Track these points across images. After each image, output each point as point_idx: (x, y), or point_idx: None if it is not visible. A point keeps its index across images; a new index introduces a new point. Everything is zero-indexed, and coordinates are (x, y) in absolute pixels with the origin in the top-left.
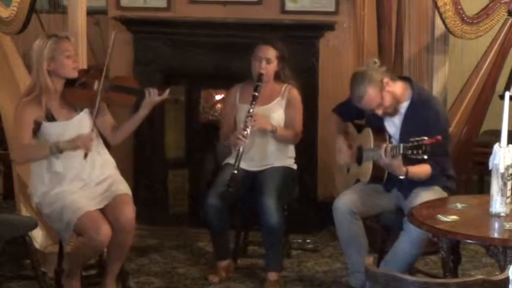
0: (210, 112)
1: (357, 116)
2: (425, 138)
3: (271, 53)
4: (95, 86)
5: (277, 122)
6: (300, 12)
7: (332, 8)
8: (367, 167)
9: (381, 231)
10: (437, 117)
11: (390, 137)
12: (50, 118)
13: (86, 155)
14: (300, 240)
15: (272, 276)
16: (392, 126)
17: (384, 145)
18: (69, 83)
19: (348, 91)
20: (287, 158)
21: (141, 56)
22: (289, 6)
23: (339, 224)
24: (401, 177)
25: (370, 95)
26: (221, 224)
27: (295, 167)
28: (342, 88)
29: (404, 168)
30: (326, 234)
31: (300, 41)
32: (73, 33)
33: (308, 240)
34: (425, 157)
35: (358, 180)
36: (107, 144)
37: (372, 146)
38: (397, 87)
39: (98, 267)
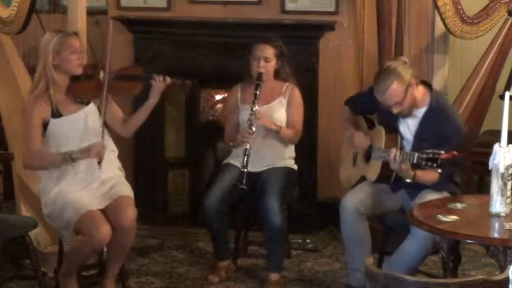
0: (210, 112)
1: (369, 111)
2: (442, 152)
3: (269, 51)
4: (101, 76)
5: (280, 121)
6: (300, 12)
7: (332, 8)
8: (375, 165)
9: (382, 232)
10: (456, 131)
11: (402, 138)
12: (56, 114)
13: (99, 163)
14: (300, 240)
15: (273, 276)
16: (407, 129)
17: (394, 150)
18: (75, 78)
19: (347, 91)
20: (288, 158)
21: (141, 56)
22: (289, 6)
23: (345, 223)
24: (408, 180)
25: (395, 90)
26: (220, 225)
27: (295, 167)
28: (342, 88)
29: (412, 172)
30: (326, 234)
31: (300, 41)
32: None
33: (308, 240)
34: (439, 171)
35: (363, 177)
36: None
37: (383, 146)
38: (419, 92)
39: (98, 267)
